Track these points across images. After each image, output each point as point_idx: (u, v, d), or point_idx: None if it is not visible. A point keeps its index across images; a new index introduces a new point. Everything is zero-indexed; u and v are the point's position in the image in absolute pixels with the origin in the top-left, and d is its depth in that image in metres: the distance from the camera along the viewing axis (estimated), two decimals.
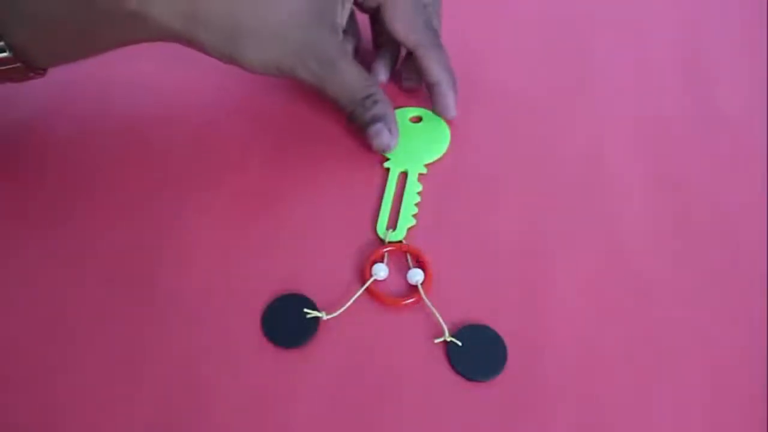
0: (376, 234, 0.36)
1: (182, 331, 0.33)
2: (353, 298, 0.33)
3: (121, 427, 0.30)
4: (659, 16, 0.47)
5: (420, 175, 0.39)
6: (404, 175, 0.39)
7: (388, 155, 0.39)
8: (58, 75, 0.44)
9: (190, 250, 0.36)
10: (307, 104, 0.43)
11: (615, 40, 0.46)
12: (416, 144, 0.40)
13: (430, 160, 0.39)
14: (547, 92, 0.43)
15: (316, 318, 0.33)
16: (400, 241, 0.36)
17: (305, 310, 0.33)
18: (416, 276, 0.34)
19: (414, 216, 0.37)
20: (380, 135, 0.38)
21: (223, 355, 0.32)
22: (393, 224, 0.36)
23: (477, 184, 0.39)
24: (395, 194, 0.38)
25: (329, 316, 0.33)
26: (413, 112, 0.42)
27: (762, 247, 0.36)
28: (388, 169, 0.39)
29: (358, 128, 0.39)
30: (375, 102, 0.38)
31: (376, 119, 0.38)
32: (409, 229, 0.36)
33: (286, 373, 0.32)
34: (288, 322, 0.33)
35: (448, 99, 0.41)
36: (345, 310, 0.33)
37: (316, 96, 0.43)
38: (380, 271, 0.34)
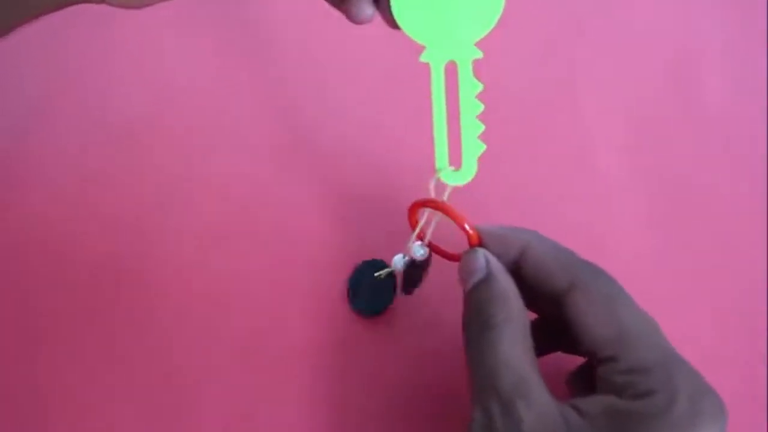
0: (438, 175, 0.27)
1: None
2: None
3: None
4: (646, 14, 0.43)
5: (475, 62, 0.27)
6: (453, 70, 0.27)
7: (421, 40, 0.27)
8: (47, 78, 0.38)
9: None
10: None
11: (602, 37, 0.42)
12: (456, 7, 0.27)
13: (487, 29, 0.27)
14: (535, 90, 0.40)
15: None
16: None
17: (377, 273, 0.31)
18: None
19: (480, 137, 0.27)
20: None
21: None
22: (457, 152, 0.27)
23: None
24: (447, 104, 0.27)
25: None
26: None
27: (754, 243, 0.36)
28: (427, 66, 0.27)
29: None
30: None
31: None
32: (479, 159, 0.27)
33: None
34: (369, 288, 0.32)
35: None
36: None
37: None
38: (398, 263, 0.30)
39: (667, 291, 0.34)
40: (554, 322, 0.26)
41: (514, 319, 0.24)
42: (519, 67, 0.40)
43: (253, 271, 0.33)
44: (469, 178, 0.27)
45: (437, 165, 0.28)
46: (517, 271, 0.26)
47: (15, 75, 0.38)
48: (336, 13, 0.27)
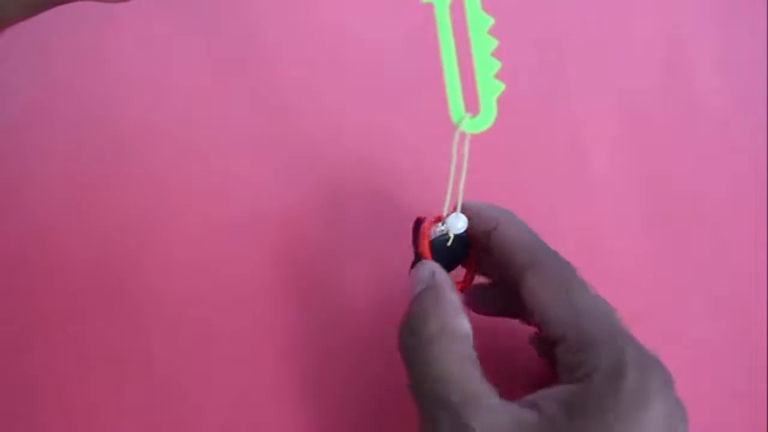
0: (459, 129, 0.25)
1: None
2: None
3: None
4: (640, 10, 0.41)
5: None
6: (459, 7, 0.25)
7: None
8: (40, 80, 0.36)
9: None
10: None
11: (595, 34, 0.40)
12: None
13: None
14: (527, 87, 0.38)
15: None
16: None
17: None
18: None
19: (497, 75, 0.24)
20: None
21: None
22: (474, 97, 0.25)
23: None
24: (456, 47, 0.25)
25: None
26: None
27: (753, 242, 0.35)
28: (431, 7, 0.25)
29: None
30: None
31: None
32: (498, 100, 0.25)
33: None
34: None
35: None
36: None
37: None
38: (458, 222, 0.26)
39: (665, 290, 0.33)
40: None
41: (449, 332, 0.23)
42: (512, 67, 0.38)
43: (252, 272, 0.32)
44: (489, 123, 0.24)
45: (454, 118, 0.25)
46: (487, 243, 0.26)
47: (6, 77, 0.37)
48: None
